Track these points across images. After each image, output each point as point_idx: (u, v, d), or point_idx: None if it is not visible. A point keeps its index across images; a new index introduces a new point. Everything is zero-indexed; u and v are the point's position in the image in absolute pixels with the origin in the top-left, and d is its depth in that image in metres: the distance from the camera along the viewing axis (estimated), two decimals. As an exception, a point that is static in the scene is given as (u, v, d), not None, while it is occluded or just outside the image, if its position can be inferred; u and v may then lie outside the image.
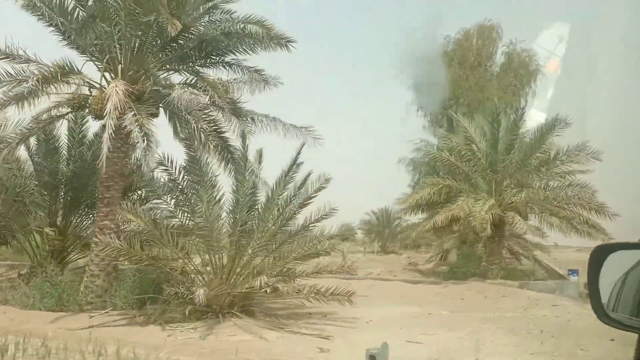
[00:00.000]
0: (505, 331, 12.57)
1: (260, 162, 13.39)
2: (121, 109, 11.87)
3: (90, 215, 17.09)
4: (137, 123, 11.71)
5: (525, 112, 24.72)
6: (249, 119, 13.99)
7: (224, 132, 13.98)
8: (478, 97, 35.06)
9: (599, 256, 1.54)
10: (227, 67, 14.81)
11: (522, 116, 23.26)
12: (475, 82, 36.74)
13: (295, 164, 12.96)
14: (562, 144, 23.29)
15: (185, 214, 13.30)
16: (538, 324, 13.58)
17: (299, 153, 12.83)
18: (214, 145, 13.14)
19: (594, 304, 1.55)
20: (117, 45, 13.80)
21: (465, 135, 24.16)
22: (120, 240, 12.26)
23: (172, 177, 13.26)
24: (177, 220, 13.41)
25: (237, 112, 13.63)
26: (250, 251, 12.56)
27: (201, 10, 14.17)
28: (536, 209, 21.89)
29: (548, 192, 22.27)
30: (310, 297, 13.20)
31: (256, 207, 13.02)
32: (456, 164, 23.84)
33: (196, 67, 14.49)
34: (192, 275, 13.15)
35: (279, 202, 12.93)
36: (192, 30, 13.99)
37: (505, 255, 34.29)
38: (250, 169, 12.64)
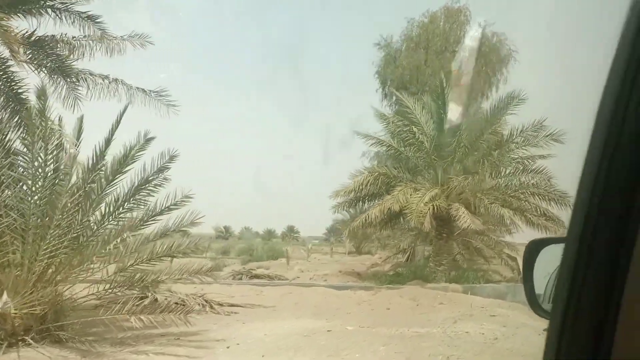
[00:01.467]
0: (400, 357, 9.27)
1: (79, 135, 9.91)
2: None
3: None
4: None
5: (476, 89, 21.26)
6: (79, 80, 10.53)
7: (21, 92, 10.53)
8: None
9: (532, 250, 1.57)
10: (56, 13, 11.36)
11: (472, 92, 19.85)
12: (440, 68, 33.44)
13: (113, 134, 9.47)
14: (517, 124, 20.07)
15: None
16: (453, 344, 10.29)
17: (121, 116, 9.35)
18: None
19: (528, 297, 1.57)
20: None
21: (409, 116, 20.82)
22: None
23: None
24: None
25: (63, 71, 10.16)
26: (45, 248, 9.05)
27: None
28: (485, 199, 18.55)
29: (500, 180, 18.94)
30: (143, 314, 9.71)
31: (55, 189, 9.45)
32: (398, 149, 20.48)
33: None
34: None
35: (85, 185, 9.43)
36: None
37: (471, 255, 31.49)
38: (56, 142, 9.17)
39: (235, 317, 13.87)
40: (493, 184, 19.38)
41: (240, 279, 19.95)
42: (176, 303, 14.27)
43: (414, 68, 33.48)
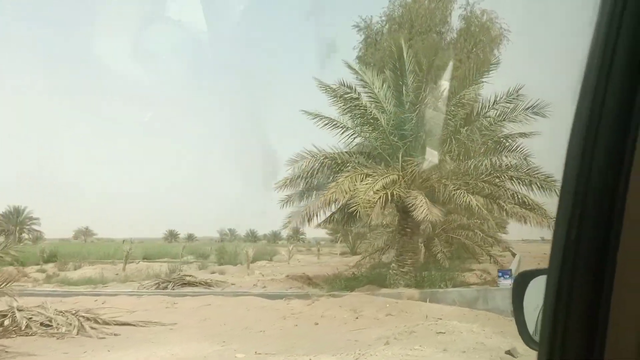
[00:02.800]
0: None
1: None
2: None
3: None
4: None
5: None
6: None
7: None
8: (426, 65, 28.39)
9: (521, 283, 1.54)
10: None
11: (434, 56, 16.57)
12: (423, 49, 29.94)
13: None
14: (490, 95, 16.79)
15: None
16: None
17: None
18: None
19: (520, 330, 1.53)
20: None
21: (368, 93, 17.59)
22: None
23: None
24: None
25: None
26: None
27: None
28: (450, 185, 15.27)
29: (470, 162, 15.64)
30: None
31: None
32: (349, 128, 17.24)
33: None
34: None
35: None
36: None
37: (460, 253, 28.11)
38: None
39: (109, 340, 10.79)
40: (462, 168, 16.06)
41: (166, 287, 16.83)
42: (42, 323, 11.27)
43: (397, 50, 30.04)
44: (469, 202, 14.59)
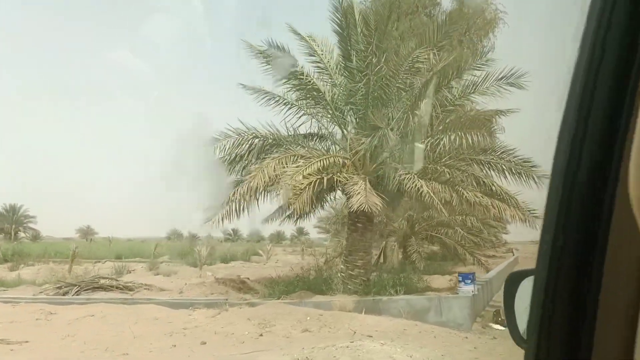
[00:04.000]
0: None
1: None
2: None
3: None
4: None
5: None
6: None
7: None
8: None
9: (511, 283, 1.54)
10: None
11: (389, 14, 13.69)
12: (409, 31, 26.94)
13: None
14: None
15: None
16: None
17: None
18: None
19: (511, 330, 1.53)
20: None
21: (316, 63, 14.78)
22: None
23: None
24: None
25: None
26: None
27: None
28: (400, 168, 12.42)
29: (427, 141, 12.77)
30: None
31: None
32: (294, 104, 14.43)
33: None
34: None
35: None
36: None
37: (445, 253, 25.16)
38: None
39: None
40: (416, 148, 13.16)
41: (66, 293, 14.09)
42: None
43: (380, 33, 26.99)
44: (419, 188, 11.69)
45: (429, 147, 12.73)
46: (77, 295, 14.19)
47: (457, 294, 12.35)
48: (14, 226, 75.60)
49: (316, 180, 12.14)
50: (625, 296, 0.79)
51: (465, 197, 11.99)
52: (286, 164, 12.46)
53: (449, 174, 12.85)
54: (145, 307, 11.95)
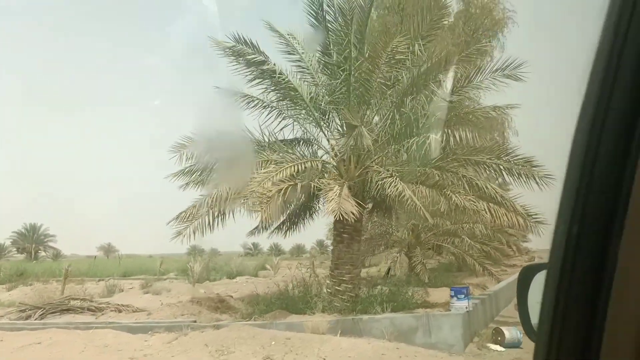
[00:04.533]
0: None
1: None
2: None
3: None
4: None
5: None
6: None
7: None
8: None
9: (525, 276, 1.57)
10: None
11: (370, 4, 12.49)
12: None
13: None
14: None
15: None
16: None
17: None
18: None
19: (523, 323, 1.55)
20: None
21: (296, 61, 13.64)
22: None
23: None
24: None
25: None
26: None
27: None
28: (383, 171, 11.14)
29: (413, 141, 11.49)
30: None
31: None
32: (273, 106, 13.29)
33: None
34: None
35: None
36: None
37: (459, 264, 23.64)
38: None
39: None
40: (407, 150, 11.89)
41: (29, 317, 13.02)
42: None
43: (361, 24, 25.75)
44: (401, 192, 10.37)
45: (414, 147, 11.41)
46: (41, 318, 13.13)
47: (451, 308, 10.96)
48: (34, 245, 75.83)
49: (288, 187, 10.91)
50: (638, 295, 0.79)
51: (454, 201, 10.61)
52: (256, 170, 11.24)
53: (438, 176, 11.48)
54: (101, 332, 10.79)
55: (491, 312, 13.87)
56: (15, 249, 76.06)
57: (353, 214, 10.21)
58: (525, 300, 1.54)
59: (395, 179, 10.66)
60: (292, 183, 11.08)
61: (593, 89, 0.82)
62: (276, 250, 79.01)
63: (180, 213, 11.65)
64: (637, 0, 0.76)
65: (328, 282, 13.43)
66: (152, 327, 11.03)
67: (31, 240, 73.72)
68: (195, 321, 11.58)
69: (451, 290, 11.04)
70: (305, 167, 11.63)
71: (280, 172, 10.97)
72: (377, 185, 11.08)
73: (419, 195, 10.88)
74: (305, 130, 13.67)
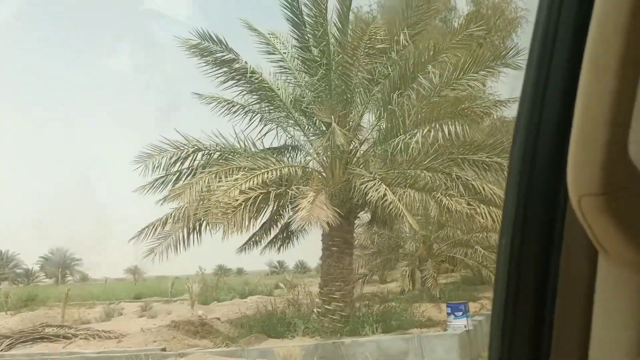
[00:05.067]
0: None
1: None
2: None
3: None
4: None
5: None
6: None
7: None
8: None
9: None
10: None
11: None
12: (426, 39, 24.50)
13: None
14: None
15: None
16: None
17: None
18: None
19: None
20: None
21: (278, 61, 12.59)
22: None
23: None
24: None
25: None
26: None
27: None
28: (365, 174, 9.92)
29: (397, 141, 10.27)
30: None
31: None
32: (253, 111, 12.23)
33: None
34: None
35: None
36: None
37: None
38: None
39: None
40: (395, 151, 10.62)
41: (-4, 347, 12.04)
42: None
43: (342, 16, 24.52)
44: (383, 196, 9.10)
45: (401, 146, 10.14)
46: (9, 349, 12.15)
47: (449, 326, 9.58)
48: (60, 269, 76.10)
49: (258, 196, 9.73)
50: (579, 299, 0.81)
51: (445, 204, 9.28)
52: (224, 177, 10.11)
53: (430, 178, 10.18)
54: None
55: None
56: (44, 274, 76.52)
57: (329, 223, 8.96)
58: None
59: (378, 181, 9.39)
60: (264, 191, 9.88)
61: (527, 96, 0.83)
62: (302, 268, 77.54)
63: (144, 229, 10.51)
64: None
65: (317, 300, 12.17)
66: (113, 357, 9.91)
67: (57, 264, 74.04)
68: (164, 349, 10.44)
69: (447, 306, 9.66)
70: (280, 174, 10.44)
71: (250, 179, 9.80)
72: (359, 190, 9.81)
73: (408, 200, 9.59)
74: (290, 136, 12.54)
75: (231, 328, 12.83)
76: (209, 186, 9.63)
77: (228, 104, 12.45)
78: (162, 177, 11.49)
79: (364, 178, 9.91)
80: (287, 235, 14.75)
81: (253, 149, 11.76)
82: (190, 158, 11.40)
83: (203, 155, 11.46)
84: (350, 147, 11.12)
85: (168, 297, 34.59)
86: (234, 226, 9.12)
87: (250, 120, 12.44)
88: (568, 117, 0.73)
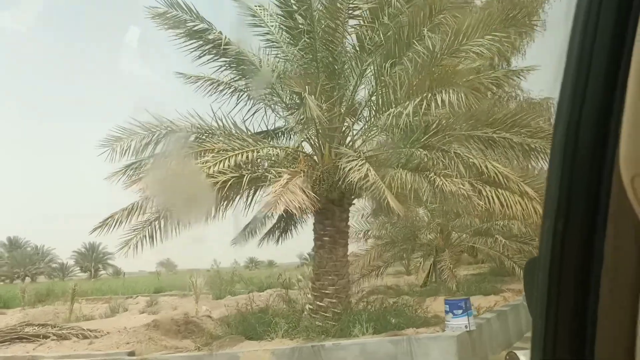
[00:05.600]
0: None
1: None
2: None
3: None
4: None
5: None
6: None
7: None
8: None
9: (530, 269, 1.43)
10: None
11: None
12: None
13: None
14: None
15: None
16: None
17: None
18: None
19: (532, 314, 1.37)
20: None
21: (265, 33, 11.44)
22: None
23: None
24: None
25: None
26: None
27: None
28: (348, 154, 8.70)
29: (391, 113, 9.00)
30: None
31: None
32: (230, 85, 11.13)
33: None
34: None
35: None
36: None
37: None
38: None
39: None
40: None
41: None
42: None
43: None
44: (365, 176, 7.86)
45: (391, 121, 8.85)
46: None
47: (447, 325, 8.30)
48: (93, 263, 76.99)
49: (228, 180, 8.59)
50: (626, 284, 0.80)
51: (439, 185, 7.96)
52: (194, 161, 9.01)
53: (427, 156, 8.88)
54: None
55: (518, 328, 11.02)
56: (78, 268, 77.63)
57: (301, 209, 7.75)
58: (532, 291, 1.38)
59: (361, 160, 8.14)
60: (237, 175, 8.74)
61: (568, 84, 0.82)
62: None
63: (107, 219, 9.48)
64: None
65: (309, 296, 11.02)
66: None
67: (90, 259, 74.84)
68: (132, 353, 9.43)
69: (445, 303, 8.36)
70: (258, 155, 9.28)
71: (221, 162, 8.67)
72: (343, 172, 8.59)
73: (400, 182, 8.33)
74: (281, 117, 11.36)
75: (219, 326, 11.78)
76: (175, 171, 8.51)
77: (207, 82, 11.38)
78: (135, 162, 10.44)
79: (348, 158, 8.66)
80: (285, 226, 13.65)
81: (235, 131, 10.57)
82: (164, 141, 10.30)
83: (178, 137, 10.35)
84: (338, 125, 9.87)
85: (186, 292, 34.00)
86: (198, 214, 7.99)
87: (237, 100, 11.32)
88: (611, 98, 0.75)
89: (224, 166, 8.69)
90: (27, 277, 66.63)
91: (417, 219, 18.73)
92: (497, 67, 15.61)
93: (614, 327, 0.81)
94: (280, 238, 13.91)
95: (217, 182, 8.41)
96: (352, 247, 23.05)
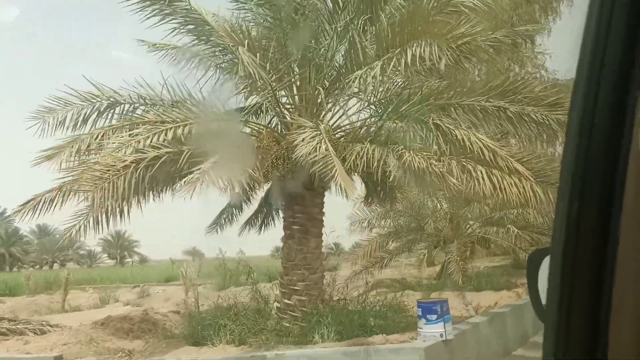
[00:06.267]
0: None
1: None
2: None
3: None
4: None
5: None
6: None
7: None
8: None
9: (534, 260, 1.53)
10: None
11: None
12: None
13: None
14: None
15: None
16: None
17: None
18: None
19: (534, 304, 1.52)
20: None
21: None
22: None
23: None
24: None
25: None
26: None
27: None
28: (306, 126, 7.19)
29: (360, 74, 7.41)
30: None
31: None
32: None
33: None
34: None
35: None
36: None
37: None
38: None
39: None
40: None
41: None
42: None
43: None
44: (315, 149, 6.36)
45: (358, 84, 7.31)
46: None
47: (420, 333, 6.76)
48: (119, 251, 77.35)
49: (161, 156, 7.18)
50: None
51: (406, 161, 6.40)
52: (124, 134, 7.62)
53: (402, 129, 7.32)
54: None
55: (522, 332, 9.41)
56: (106, 255, 78.10)
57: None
58: (535, 284, 1.48)
59: (314, 131, 6.63)
60: (172, 150, 7.33)
61: (584, 63, 0.81)
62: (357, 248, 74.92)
63: (29, 200, 8.14)
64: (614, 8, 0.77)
65: (277, 293, 9.61)
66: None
67: (116, 246, 75.11)
68: (60, 356, 8.16)
69: (418, 306, 6.81)
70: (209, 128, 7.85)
71: (153, 135, 7.26)
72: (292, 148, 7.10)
73: (364, 157, 6.81)
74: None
75: (181, 325, 10.49)
76: (97, 145, 7.15)
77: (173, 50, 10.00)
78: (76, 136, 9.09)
79: (304, 130, 7.16)
80: (268, 212, 12.19)
81: (191, 103, 9.11)
82: (106, 113, 8.93)
83: (122, 109, 8.97)
84: (305, 92, 8.37)
85: (195, 281, 33.01)
86: (110, 197, 6.58)
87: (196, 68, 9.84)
88: (628, 83, 0.75)
89: (158, 139, 7.27)
90: (54, 264, 67.11)
91: (423, 207, 17.21)
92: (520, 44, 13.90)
93: (630, 311, 0.79)
94: (263, 225, 12.48)
95: (143, 159, 7.00)
96: (355, 237, 21.53)
